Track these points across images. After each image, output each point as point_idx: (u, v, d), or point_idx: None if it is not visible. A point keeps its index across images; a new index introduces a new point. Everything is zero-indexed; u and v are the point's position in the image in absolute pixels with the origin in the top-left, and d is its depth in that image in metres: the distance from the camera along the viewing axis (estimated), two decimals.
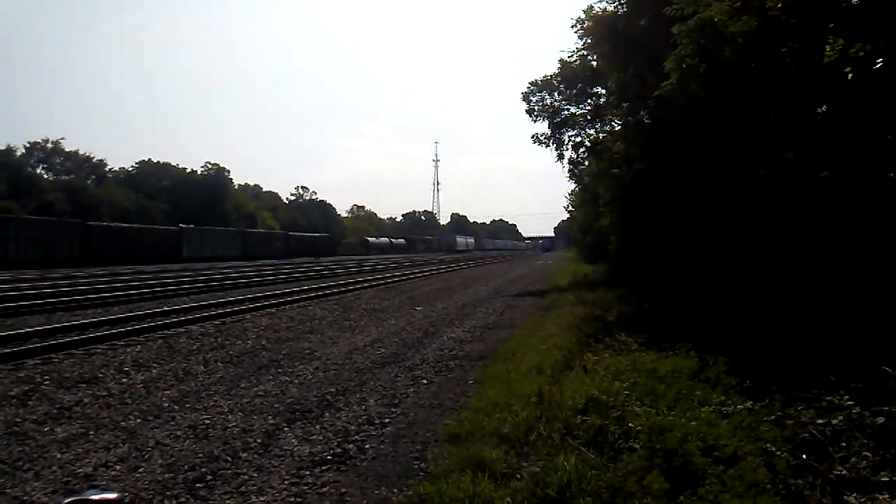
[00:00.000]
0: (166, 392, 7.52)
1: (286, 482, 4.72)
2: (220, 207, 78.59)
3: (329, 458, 5.24)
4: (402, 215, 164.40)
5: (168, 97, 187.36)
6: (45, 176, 70.86)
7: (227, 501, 4.41)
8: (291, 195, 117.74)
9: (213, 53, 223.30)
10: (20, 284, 21.40)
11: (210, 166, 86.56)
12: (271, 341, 11.24)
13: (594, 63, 21.80)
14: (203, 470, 4.95)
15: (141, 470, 4.97)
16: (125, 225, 48.03)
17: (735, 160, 11.47)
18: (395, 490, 4.54)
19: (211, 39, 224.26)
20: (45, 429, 6.08)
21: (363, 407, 6.85)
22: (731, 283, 11.66)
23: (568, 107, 25.56)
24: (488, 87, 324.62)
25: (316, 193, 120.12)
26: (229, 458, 5.22)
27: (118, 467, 5.04)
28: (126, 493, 4.44)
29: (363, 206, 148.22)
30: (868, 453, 4.26)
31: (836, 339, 6.98)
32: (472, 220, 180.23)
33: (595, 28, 18.85)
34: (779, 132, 10.21)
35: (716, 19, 10.03)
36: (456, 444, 5.25)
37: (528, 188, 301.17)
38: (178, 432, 5.94)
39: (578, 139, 25.94)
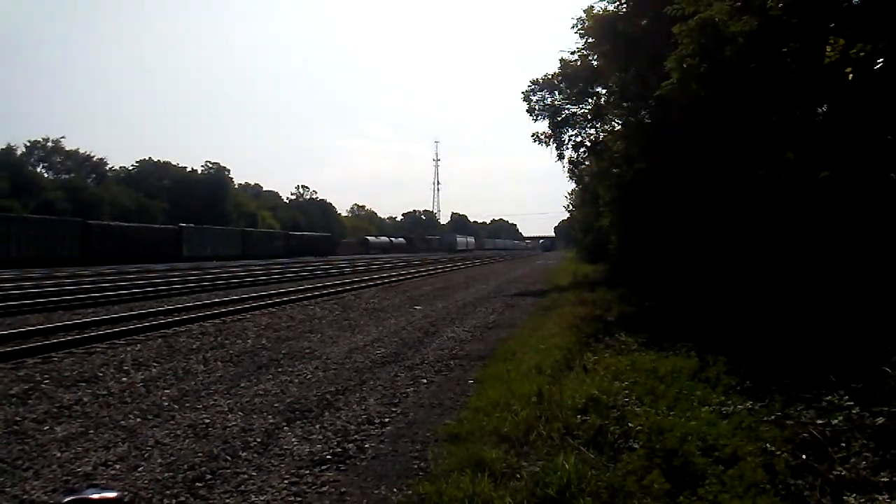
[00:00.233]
0: (166, 391, 7.52)
1: (286, 481, 4.72)
2: (220, 207, 78.54)
3: (329, 457, 5.24)
4: (403, 215, 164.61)
5: (168, 97, 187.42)
6: (46, 175, 70.90)
7: (227, 501, 4.41)
8: (291, 194, 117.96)
9: (213, 53, 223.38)
10: (21, 283, 21.40)
11: (210, 165, 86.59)
12: (271, 340, 11.24)
13: (595, 63, 21.79)
14: (203, 469, 4.95)
15: (140, 469, 4.97)
16: (125, 224, 48.04)
17: (736, 160, 11.46)
18: (395, 489, 4.55)
19: (211, 39, 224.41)
20: (45, 428, 6.08)
21: (363, 406, 6.85)
22: (732, 283, 11.66)
23: (568, 106, 25.56)
24: (488, 87, 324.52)
25: (316, 193, 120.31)
26: (229, 458, 5.22)
27: (118, 466, 5.04)
28: (125, 493, 4.44)
29: (363, 206, 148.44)
30: (868, 454, 4.26)
31: (836, 340, 6.98)
32: (472, 220, 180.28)
33: (595, 28, 18.84)
34: (779, 132, 10.21)
35: (716, 19, 10.02)
36: (456, 444, 5.25)
37: (528, 188, 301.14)
38: (178, 431, 5.94)
39: (579, 139, 25.97)
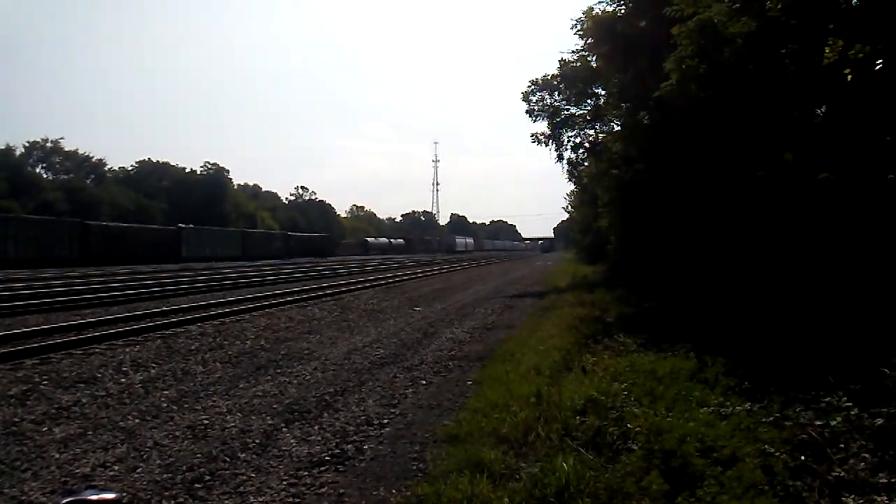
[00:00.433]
0: (165, 392, 7.52)
1: (284, 483, 4.71)
2: (219, 207, 78.58)
3: (327, 458, 5.24)
4: (402, 215, 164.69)
5: (167, 97, 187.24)
6: (45, 175, 70.98)
7: (226, 502, 4.41)
8: (291, 195, 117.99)
9: (212, 53, 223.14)
10: (20, 284, 21.38)
11: (209, 166, 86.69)
12: (270, 341, 11.24)
13: (594, 63, 21.80)
14: (201, 470, 4.95)
15: (139, 470, 4.97)
16: (124, 224, 47.99)
17: (735, 161, 11.48)
18: (394, 491, 4.54)
19: (211, 39, 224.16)
20: (44, 429, 6.07)
21: (362, 407, 6.84)
22: (730, 284, 11.67)
23: (568, 107, 25.56)
24: (488, 87, 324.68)
25: (315, 194, 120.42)
26: (228, 459, 5.22)
27: (116, 467, 5.03)
28: (124, 494, 4.44)
29: (362, 207, 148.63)
30: (866, 455, 4.26)
31: (835, 341, 6.98)
32: (471, 221, 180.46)
33: (595, 29, 18.83)
34: (778, 133, 10.22)
35: (715, 20, 10.03)
36: (454, 445, 5.25)
37: (527, 189, 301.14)
38: (177, 432, 5.94)
39: (578, 140, 25.98)
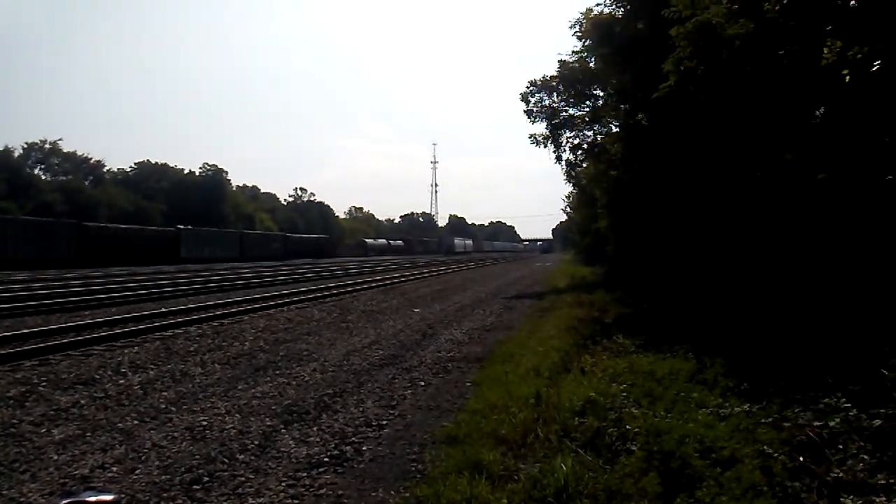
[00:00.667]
0: (163, 393, 7.51)
1: (283, 484, 4.71)
2: (217, 209, 78.52)
3: (326, 460, 5.24)
4: (401, 217, 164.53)
5: (167, 97, 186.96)
6: (43, 177, 70.97)
7: (224, 503, 4.40)
8: (290, 196, 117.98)
9: (212, 54, 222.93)
10: (14, 286, 21.36)
11: (208, 167, 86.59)
12: (269, 343, 11.23)
13: (593, 65, 21.83)
14: (200, 472, 4.94)
15: (138, 471, 4.96)
16: (123, 226, 47.97)
17: (733, 162, 11.49)
18: (393, 492, 4.54)
19: (210, 40, 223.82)
20: (42, 430, 6.06)
21: (360, 409, 6.84)
22: (729, 284, 11.68)
23: (566, 108, 25.57)
24: (488, 87, 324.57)
25: (314, 195, 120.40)
26: (226, 460, 5.21)
27: (115, 469, 5.03)
28: (122, 495, 4.44)
29: (361, 208, 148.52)
30: (865, 456, 4.27)
31: (834, 342, 6.98)
32: (470, 222, 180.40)
33: (593, 30, 18.89)
34: (777, 134, 10.23)
35: (713, 22, 10.03)
36: (453, 446, 5.25)
37: (526, 189, 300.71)
38: (176, 434, 5.93)
39: (576, 141, 25.97)
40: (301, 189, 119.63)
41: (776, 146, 10.16)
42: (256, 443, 5.66)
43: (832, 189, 8.72)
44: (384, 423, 6.34)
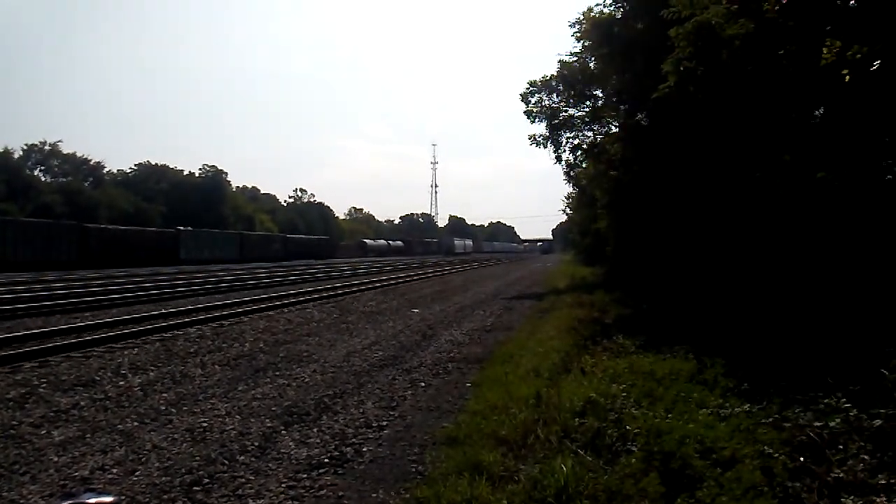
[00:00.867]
0: (163, 395, 7.50)
1: (283, 485, 4.71)
2: (217, 210, 78.53)
3: (326, 461, 5.24)
4: (400, 217, 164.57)
5: (166, 98, 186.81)
6: (43, 178, 70.96)
7: None
8: (289, 197, 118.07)
9: (212, 54, 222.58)
10: (14, 287, 21.35)
11: (208, 168, 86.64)
12: (269, 344, 11.22)
13: (592, 65, 21.83)
14: (200, 473, 4.94)
15: (138, 473, 4.96)
16: (123, 227, 48.00)
17: (732, 162, 11.49)
18: (393, 493, 4.54)
19: (210, 40, 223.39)
20: (42, 432, 6.06)
21: (361, 410, 6.84)
22: (729, 285, 11.68)
23: (566, 109, 25.56)
24: (488, 87, 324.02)
25: (314, 196, 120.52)
26: (226, 462, 5.21)
27: (115, 470, 5.02)
28: (122, 497, 4.44)
29: (361, 209, 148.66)
30: (865, 456, 4.27)
31: (834, 342, 6.99)
32: (469, 222, 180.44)
33: (593, 31, 18.89)
34: (776, 134, 10.23)
35: (713, 22, 10.04)
36: (453, 447, 5.25)
37: (526, 190, 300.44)
38: (176, 435, 5.93)
39: (576, 141, 25.96)
40: (301, 190, 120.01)
41: (775, 146, 10.16)
42: (256, 444, 5.65)
43: (832, 189, 8.72)
44: (384, 424, 6.33)
